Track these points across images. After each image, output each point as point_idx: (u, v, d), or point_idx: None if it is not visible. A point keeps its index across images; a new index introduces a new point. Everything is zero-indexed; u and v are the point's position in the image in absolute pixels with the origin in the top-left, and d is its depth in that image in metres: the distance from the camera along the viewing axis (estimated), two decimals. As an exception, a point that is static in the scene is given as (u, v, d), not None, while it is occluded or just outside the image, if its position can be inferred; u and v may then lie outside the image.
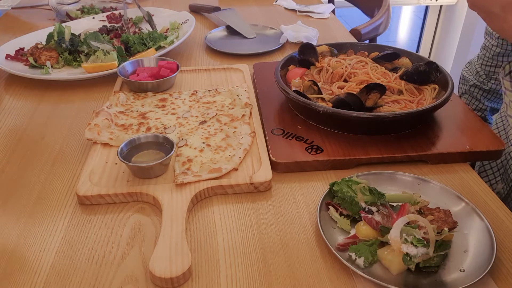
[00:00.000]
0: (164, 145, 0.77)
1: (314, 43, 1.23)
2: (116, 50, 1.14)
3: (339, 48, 1.06)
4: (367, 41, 1.57)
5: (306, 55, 1.00)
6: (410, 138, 0.82)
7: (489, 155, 0.79)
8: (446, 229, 0.60)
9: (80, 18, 1.48)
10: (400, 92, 0.89)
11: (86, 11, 1.55)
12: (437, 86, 0.89)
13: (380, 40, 1.74)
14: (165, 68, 1.03)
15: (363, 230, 0.61)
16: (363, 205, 0.64)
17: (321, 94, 0.89)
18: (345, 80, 0.94)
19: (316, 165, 0.77)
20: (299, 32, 1.32)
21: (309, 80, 0.90)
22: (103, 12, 1.52)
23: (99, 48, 1.14)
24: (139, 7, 1.42)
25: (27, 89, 1.07)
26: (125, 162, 0.72)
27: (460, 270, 0.57)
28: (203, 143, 0.80)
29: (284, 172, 0.77)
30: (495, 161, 0.96)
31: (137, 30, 1.31)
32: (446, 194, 0.68)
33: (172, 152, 0.74)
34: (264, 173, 0.73)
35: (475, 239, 0.61)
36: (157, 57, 1.09)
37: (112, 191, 0.70)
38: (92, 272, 0.59)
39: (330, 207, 0.66)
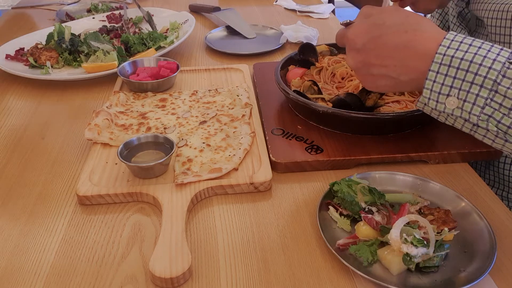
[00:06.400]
0: (164, 145, 0.77)
1: (314, 43, 1.23)
2: (116, 50, 1.14)
3: (338, 48, 1.06)
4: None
5: (306, 55, 1.00)
6: (410, 138, 0.81)
7: (489, 155, 0.79)
8: (446, 229, 0.60)
9: (80, 18, 1.48)
10: (400, 92, 0.89)
11: (93, 8, 1.55)
12: (437, 86, 0.89)
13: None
14: (165, 68, 1.03)
15: (363, 230, 0.61)
16: (363, 205, 0.64)
17: (321, 94, 0.89)
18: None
19: (316, 165, 0.77)
20: (299, 32, 1.32)
21: (309, 80, 0.90)
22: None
23: (99, 48, 1.14)
24: (139, 7, 1.42)
25: (27, 89, 1.07)
26: (125, 162, 0.72)
27: (460, 270, 0.57)
28: (203, 143, 0.80)
29: (284, 172, 0.77)
30: None
31: (137, 30, 1.31)
32: (446, 194, 0.68)
33: (172, 152, 0.74)
34: (264, 173, 0.73)
35: (475, 239, 0.61)
36: (157, 57, 1.09)
37: (112, 191, 0.70)
38: (92, 272, 0.59)
39: (330, 207, 0.66)
